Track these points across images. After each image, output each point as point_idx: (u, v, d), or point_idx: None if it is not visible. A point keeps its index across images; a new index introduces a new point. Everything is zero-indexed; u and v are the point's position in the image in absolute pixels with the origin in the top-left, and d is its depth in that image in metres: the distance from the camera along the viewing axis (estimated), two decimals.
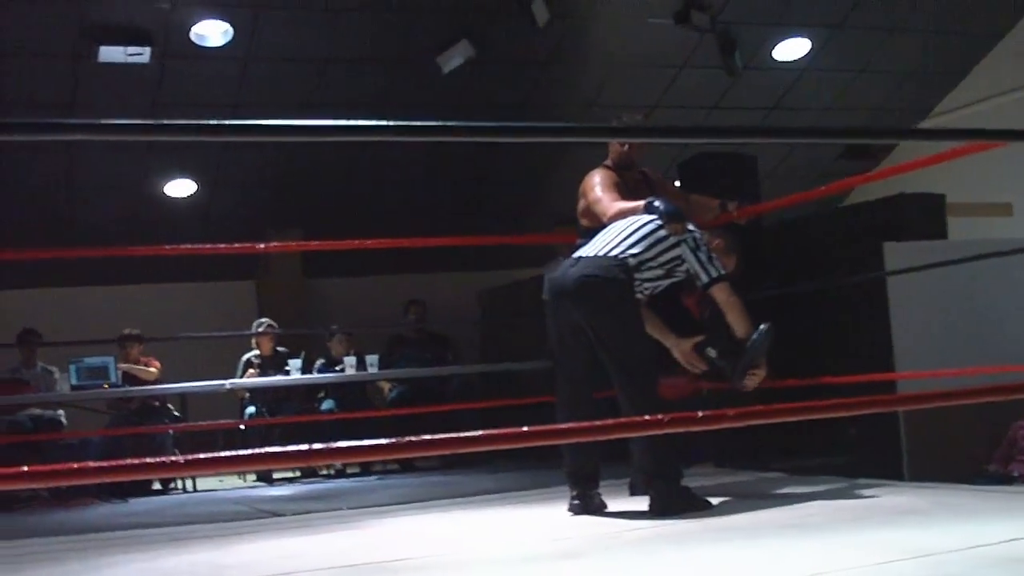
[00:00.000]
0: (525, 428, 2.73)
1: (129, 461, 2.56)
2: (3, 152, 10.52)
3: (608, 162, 6.34)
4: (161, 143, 10.80)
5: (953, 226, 8.57)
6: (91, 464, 2.48)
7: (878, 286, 7.56)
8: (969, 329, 7.51)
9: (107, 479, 3.05)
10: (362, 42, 10.36)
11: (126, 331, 9.92)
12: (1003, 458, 7.13)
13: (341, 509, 6.96)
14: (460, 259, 12.70)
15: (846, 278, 7.90)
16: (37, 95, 9.86)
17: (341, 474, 9.94)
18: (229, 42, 10.01)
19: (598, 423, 3.05)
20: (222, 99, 10.43)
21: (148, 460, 2.51)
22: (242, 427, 10.20)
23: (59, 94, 9.90)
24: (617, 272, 5.48)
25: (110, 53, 9.60)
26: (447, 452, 2.79)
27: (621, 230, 5.66)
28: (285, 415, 9.96)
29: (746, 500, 5.71)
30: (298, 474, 10.02)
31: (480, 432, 2.72)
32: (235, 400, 10.48)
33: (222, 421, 10.23)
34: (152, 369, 9.98)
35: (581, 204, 6.27)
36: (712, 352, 5.80)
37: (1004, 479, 6.85)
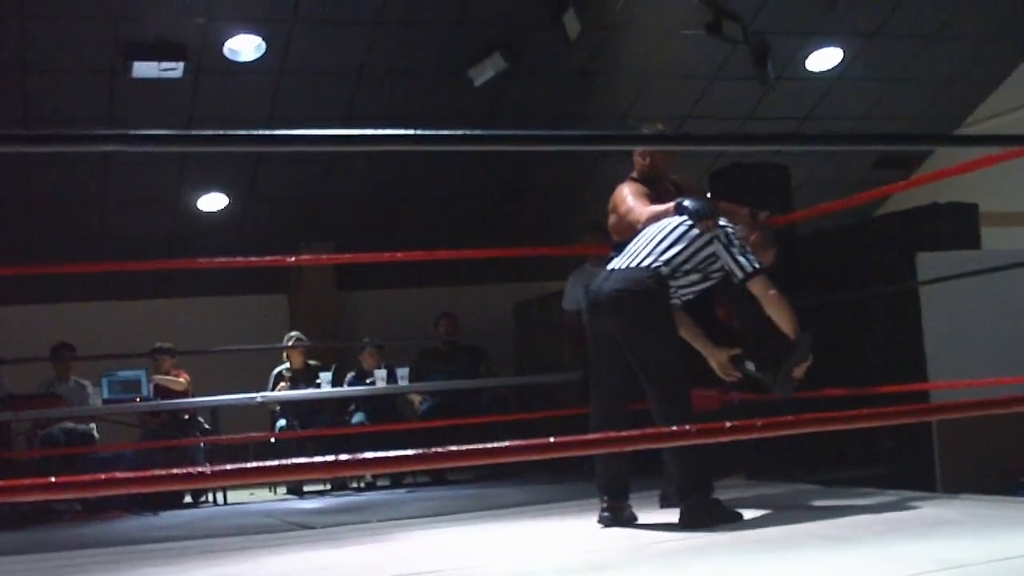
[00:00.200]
0: (552, 439, 2.72)
1: (158, 472, 2.56)
2: (38, 167, 10.61)
3: (635, 174, 6.32)
4: (194, 158, 10.89)
5: (987, 236, 8.51)
6: (118, 475, 2.49)
7: (911, 296, 7.51)
8: (1003, 339, 7.44)
9: (137, 490, 3.05)
10: (395, 55, 10.37)
11: (158, 344, 9.95)
12: None
13: (371, 522, 6.96)
14: (494, 271, 12.70)
15: (879, 288, 7.85)
16: (72, 111, 9.92)
17: (371, 487, 9.93)
18: (262, 56, 10.04)
19: (625, 434, 3.03)
20: (255, 113, 10.46)
21: (176, 471, 2.51)
22: (273, 440, 10.21)
23: (94, 110, 9.95)
24: (650, 283, 5.46)
25: (144, 69, 9.65)
26: (474, 463, 2.78)
27: (652, 236, 5.64)
28: (316, 428, 9.96)
29: (778, 512, 5.67)
30: (329, 487, 10.02)
31: (507, 443, 2.71)
32: (266, 413, 10.50)
33: (253, 434, 10.24)
34: (181, 380, 10.01)
35: (612, 219, 6.25)
36: (750, 365, 5.76)
37: None
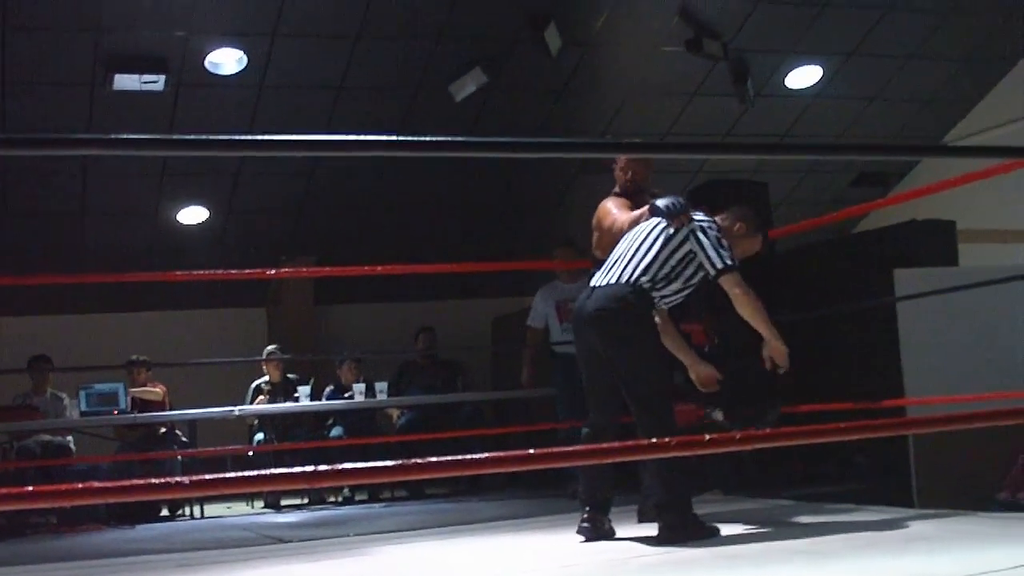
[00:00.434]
0: (532, 451, 2.72)
1: (136, 481, 2.55)
2: (16, 178, 10.57)
3: (616, 189, 6.34)
4: (174, 170, 10.87)
5: (965, 253, 8.55)
6: (96, 484, 2.48)
7: (888, 313, 7.55)
8: (980, 356, 7.48)
9: (114, 499, 3.04)
10: (376, 70, 10.37)
11: (133, 356, 9.92)
12: (1013, 486, 7.09)
13: (349, 536, 6.95)
14: (472, 286, 12.71)
15: (857, 304, 7.88)
16: (52, 123, 9.88)
17: (349, 501, 9.91)
18: (243, 70, 10.03)
19: (604, 446, 3.04)
20: (236, 126, 10.44)
21: (155, 480, 2.50)
22: (251, 453, 10.19)
23: (74, 122, 9.92)
24: (631, 299, 5.45)
25: (125, 81, 9.62)
26: (453, 474, 2.78)
27: (629, 247, 5.62)
28: (294, 442, 9.94)
29: (755, 528, 5.69)
30: (306, 501, 10.00)
31: (486, 455, 2.71)
32: (244, 427, 10.47)
33: (231, 447, 10.22)
34: (157, 390, 9.98)
35: (596, 236, 6.26)
36: (718, 415, 5.77)
37: (1014, 507, 6.81)
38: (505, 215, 12.54)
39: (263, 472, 2.73)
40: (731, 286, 5.43)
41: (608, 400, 5.63)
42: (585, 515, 5.65)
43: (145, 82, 9.67)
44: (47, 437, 9.54)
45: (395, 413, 10.66)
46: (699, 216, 5.56)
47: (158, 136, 2.39)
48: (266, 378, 10.41)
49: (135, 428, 9.79)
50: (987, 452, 7.00)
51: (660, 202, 5.61)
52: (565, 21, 10.12)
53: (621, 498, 5.97)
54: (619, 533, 5.64)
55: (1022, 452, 7.10)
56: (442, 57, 10.34)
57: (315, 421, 10.39)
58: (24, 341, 10.61)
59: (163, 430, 9.97)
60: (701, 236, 5.46)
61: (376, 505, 9.53)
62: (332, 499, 10.02)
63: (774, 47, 11.10)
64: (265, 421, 10.23)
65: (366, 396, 9.99)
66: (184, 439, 9.87)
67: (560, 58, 10.34)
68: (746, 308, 5.44)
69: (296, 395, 10.00)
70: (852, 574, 4.24)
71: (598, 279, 5.65)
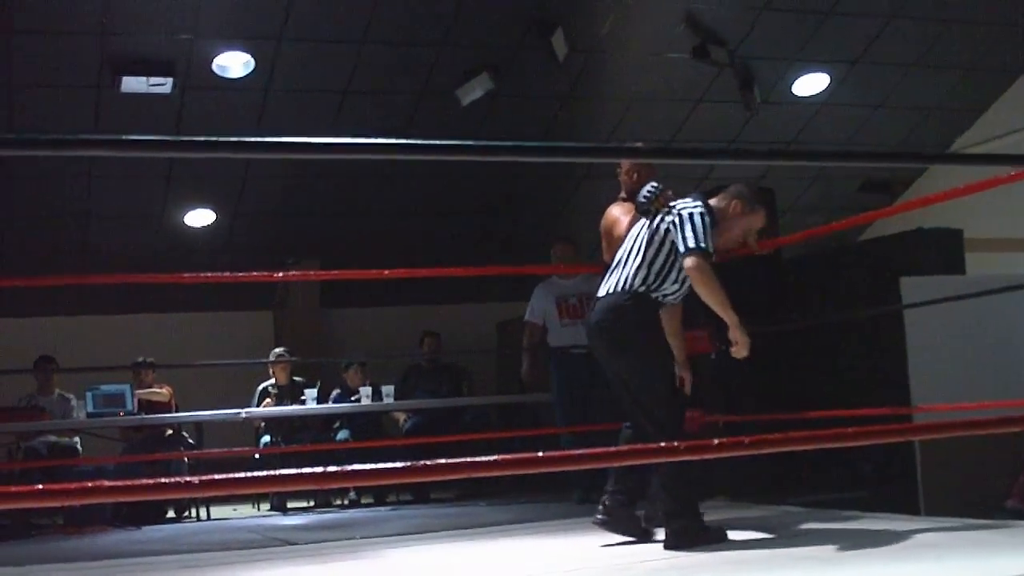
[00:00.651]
0: (540, 453, 2.73)
1: (144, 481, 2.56)
2: (23, 180, 10.59)
3: (622, 194, 6.35)
4: (181, 173, 10.89)
5: (972, 261, 8.55)
6: (105, 483, 2.49)
7: (895, 321, 7.54)
8: (986, 365, 7.47)
9: (122, 497, 3.05)
10: (382, 74, 10.39)
11: (140, 358, 9.93)
12: (1021, 493, 7.09)
13: (354, 538, 6.96)
14: (478, 290, 12.71)
15: (863, 312, 7.88)
16: (60, 126, 9.90)
17: (355, 504, 9.91)
18: (250, 73, 10.06)
19: (613, 449, 3.04)
20: (243, 130, 10.46)
21: (163, 480, 2.50)
22: (257, 456, 10.20)
23: (82, 125, 9.94)
24: (628, 307, 5.42)
25: (132, 83, 9.65)
26: (460, 477, 2.78)
27: (624, 251, 5.60)
28: (300, 445, 9.95)
29: (761, 534, 5.69)
30: (312, 504, 10.00)
31: (495, 457, 2.71)
32: (251, 429, 10.48)
33: (238, 449, 10.23)
34: (163, 391, 9.99)
35: (604, 244, 6.28)
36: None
37: (1022, 515, 6.80)
38: (510, 220, 12.55)
39: (272, 472, 2.74)
40: (691, 266, 5.26)
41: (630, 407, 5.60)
42: (606, 503, 5.59)
43: (153, 85, 9.70)
44: (53, 438, 9.56)
45: (401, 417, 10.67)
46: (687, 202, 5.49)
47: (165, 137, 2.39)
48: (273, 381, 10.41)
49: (141, 429, 9.80)
50: (995, 460, 7.00)
51: (640, 197, 5.60)
52: (571, 27, 10.13)
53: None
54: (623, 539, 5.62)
55: None
56: (448, 62, 10.35)
57: (321, 424, 10.39)
58: (31, 342, 10.62)
59: (169, 432, 9.98)
60: (678, 220, 5.38)
61: (382, 509, 9.55)
62: (338, 502, 10.03)
63: (780, 54, 11.11)
64: (272, 424, 10.24)
65: (372, 400, 10.00)
66: (191, 441, 9.88)
67: (566, 64, 10.35)
68: (702, 288, 5.29)
69: (303, 398, 10.00)
70: None
71: (601, 289, 5.64)
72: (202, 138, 2.58)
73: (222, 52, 9.86)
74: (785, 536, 5.59)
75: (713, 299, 5.31)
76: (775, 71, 11.29)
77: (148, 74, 9.63)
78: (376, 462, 2.77)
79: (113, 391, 9.66)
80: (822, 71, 11.53)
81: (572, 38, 10.17)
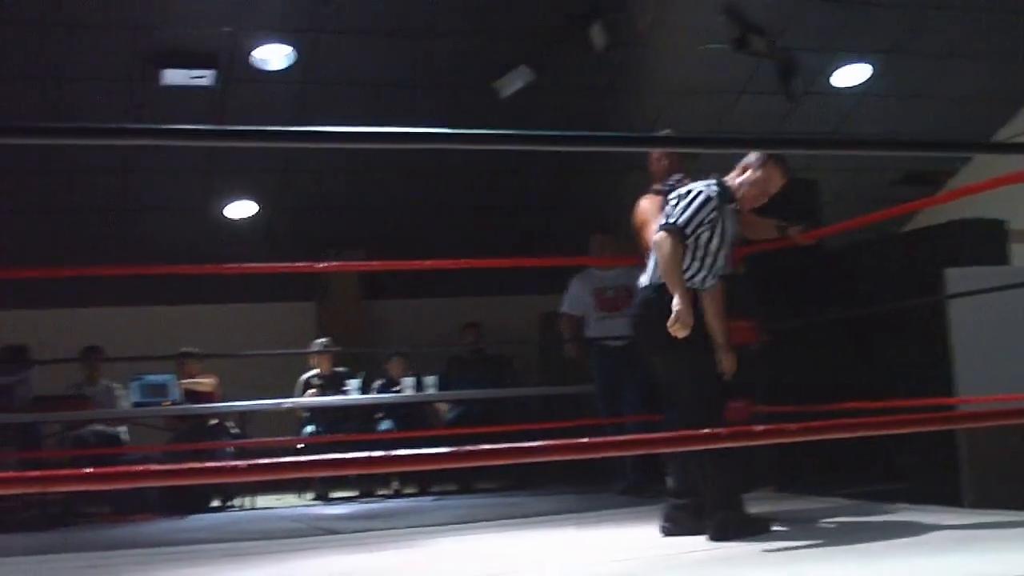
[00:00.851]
0: (585, 440, 2.75)
1: (190, 465, 2.59)
2: (65, 174, 10.68)
3: (655, 186, 6.36)
4: (222, 165, 10.96)
5: (1017, 253, 8.49)
6: (153, 467, 2.52)
7: (939, 313, 7.50)
8: None
9: (169, 482, 3.08)
10: (422, 66, 10.42)
11: (185, 348, 10.00)
12: None
13: (398, 528, 6.98)
14: (520, 282, 12.70)
15: (907, 303, 7.84)
16: (102, 118, 9.98)
17: (398, 494, 9.96)
18: (291, 65, 10.10)
19: (656, 436, 3.05)
20: (283, 121, 10.52)
21: (210, 464, 2.54)
22: (300, 446, 10.25)
23: (123, 117, 10.01)
24: (654, 300, 5.41)
25: (173, 76, 9.71)
26: (506, 462, 2.81)
27: (650, 242, 5.63)
28: (344, 435, 9.99)
29: (807, 526, 5.68)
30: (355, 494, 10.04)
31: (541, 443, 2.73)
32: (294, 419, 10.53)
33: (281, 439, 10.28)
34: (208, 381, 10.06)
35: (638, 238, 6.30)
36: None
37: None
38: (553, 212, 12.54)
39: (318, 457, 2.77)
40: (655, 240, 5.36)
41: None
42: (672, 510, 5.58)
43: (194, 77, 9.76)
44: (100, 427, 9.64)
45: (444, 408, 10.70)
46: (695, 184, 5.51)
47: (210, 127, 2.42)
48: (316, 371, 10.46)
49: (186, 419, 9.88)
50: None
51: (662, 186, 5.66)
52: (611, 19, 10.11)
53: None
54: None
55: None
56: (488, 54, 10.36)
57: (365, 414, 10.43)
58: (77, 332, 10.70)
59: (214, 421, 10.05)
60: (675, 201, 5.44)
61: (425, 499, 9.57)
62: (381, 492, 10.06)
63: (821, 45, 11.06)
64: (315, 414, 10.29)
65: (416, 390, 10.04)
66: (234, 431, 9.95)
67: (605, 56, 10.33)
68: (660, 262, 5.35)
69: (346, 388, 10.05)
70: (903, 573, 4.23)
71: (639, 281, 5.66)
72: (254, 127, 2.60)
73: (263, 44, 9.90)
74: (830, 528, 5.58)
75: (665, 274, 5.32)
76: (816, 62, 11.24)
77: (189, 67, 9.68)
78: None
79: (158, 381, 9.75)
80: (863, 62, 11.47)
81: (612, 30, 10.14)
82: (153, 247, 11.54)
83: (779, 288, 8.07)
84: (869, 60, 11.45)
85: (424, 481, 10.12)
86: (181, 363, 10.06)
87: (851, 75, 11.58)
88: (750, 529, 5.32)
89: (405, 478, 10.05)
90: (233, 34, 9.67)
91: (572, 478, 9.28)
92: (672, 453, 5.48)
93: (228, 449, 9.69)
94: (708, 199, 5.38)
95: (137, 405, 9.70)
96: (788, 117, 11.73)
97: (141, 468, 2.56)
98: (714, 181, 5.48)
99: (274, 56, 10.03)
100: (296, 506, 9.42)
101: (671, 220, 5.35)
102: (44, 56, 9.49)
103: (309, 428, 10.23)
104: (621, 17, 10.24)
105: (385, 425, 10.19)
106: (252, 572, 5.36)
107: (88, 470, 2.51)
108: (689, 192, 5.42)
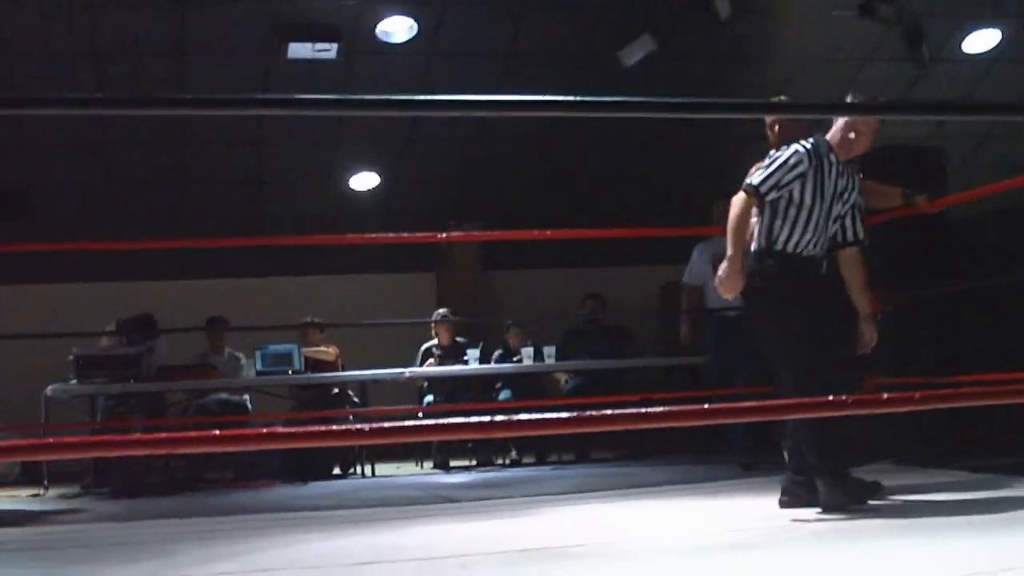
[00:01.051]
0: (706, 405, 2.74)
1: (313, 428, 2.63)
2: (197, 148, 10.89)
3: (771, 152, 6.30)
4: (347, 138, 11.07)
5: None
6: (279, 429, 2.56)
7: None
8: None
9: (295, 444, 3.14)
10: (545, 37, 10.40)
11: (308, 318, 10.13)
12: None
13: (516, 497, 7.03)
14: (641, 252, 12.63)
15: None
16: (229, 92, 10.12)
17: (516, 464, 9.99)
18: (414, 37, 10.15)
19: (774, 403, 3.03)
20: (407, 94, 10.55)
21: (334, 427, 2.58)
22: (420, 415, 10.33)
23: (250, 91, 10.15)
24: (754, 270, 5.37)
25: (298, 49, 9.81)
26: (619, 428, 2.80)
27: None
28: (462, 404, 10.05)
29: (926, 498, 5.61)
30: (474, 463, 10.11)
31: (655, 409, 2.72)
32: (413, 390, 10.62)
33: (402, 407, 10.38)
34: (330, 351, 10.18)
35: None
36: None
37: None
38: (674, 181, 12.45)
39: (439, 421, 2.79)
40: (735, 201, 5.44)
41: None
42: (790, 483, 5.50)
43: (318, 50, 9.85)
44: (224, 396, 9.81)
45: (563, 378, 10.71)
46: (795, 144, 5.47)
47: (334, 96, 2.44)
48: (435, 341, 10.53)
49: (308, 388, 10.02)
50: None
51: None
52: None
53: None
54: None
55: None
56: (610, 23, 10.31)
57: (484, 384, 10.48)
58: (203, 303, 10.89)
59: (335, 390, 10.17)
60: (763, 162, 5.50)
61: (543, 468, 9.61)
62: (500, 462, 10.12)
63: (950, 10, 10.81)
64: (435, 383, 10.36)
65: (534, 360, 10.06)
66: (356, 400, 10.06)
67: (730, 24, 10.22)
68: (729, 217, 5.42)
69: (465, 358, 10.11)
70: (1012, 547, 4.16)
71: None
72: (378, 96, 2.62)
73: (386, 17, 9.97)
74: (950, 502, 5.50)
75: (729, 230, 5.40)
76: (944, 28, 10.99)
77: (314, 40, 9.77)
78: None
79: (281, 350, 9.88)
80: (993, 27, 11.19)
81: None
82: (279, 219, 11.69)
83: (903, 259, 7.94)
84: (999, 26, 11.17)
85: (542, 451, 10.15)
86: (304, 333, 10.19)
87: (980, 41, 11.31)
88: (861, 494, 5.23)
89: (523, 448, 10.09)
90: (357, 7, 9.74)
91: (691, 448, 9.26)
92: (787, 430, 5.42)
93: (349, 418, 9.79)
94: (791, 155, 5.37)
95: (260, 374, 9.85)
96: (916, 85, 11.50)
97: (267, 430, 2.60)
98: (811, 139, 5.43)
99: (397, 29, 10.09)
100: (416, 474, 9.50)
101: (748, 180, 5.39)
102: (174, 32, 9.65)
103: (429, 397, 10.31)
104: None
105: (504, 395, 10.23)
106: (372, 538, 5.43)
107: (215, 432, 2.56)
108: (774, 155, 5.42)
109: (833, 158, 5.43)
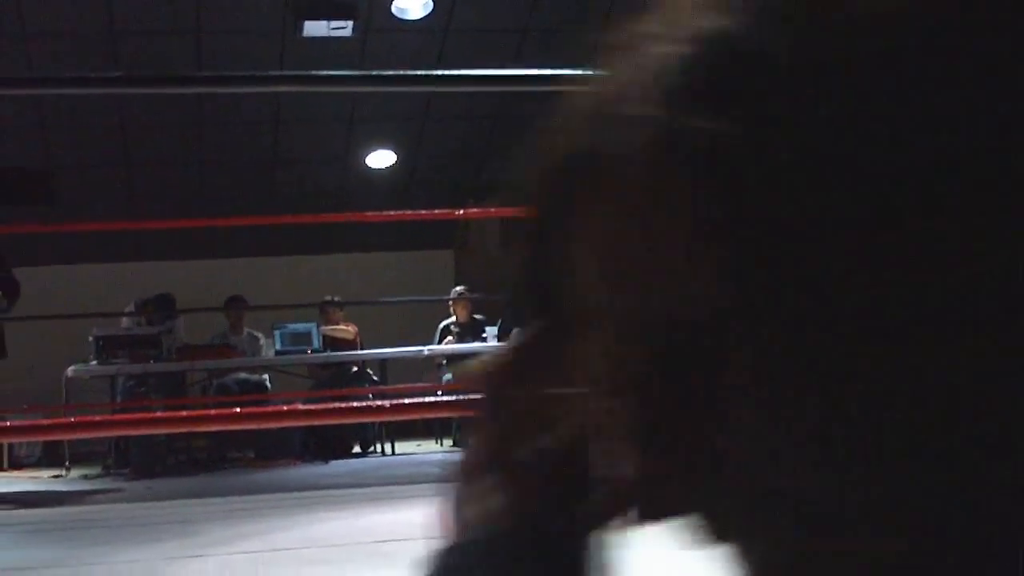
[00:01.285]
0: None
1: (334, 405, 2.61)
2: (212, 126, 10.86)
3: None
4: (362, 115, 11.03)
5: None
6: (300, 406, 2.55)
7: None
8: None
9: (316, 422, 3.12)
10: (561, 13, 10.35)
11: (327, 297, 10.12)
12: None
13: None
14: None
15: None
16: (246, 70, 10.08)
17: None
18: (429, 14, 10.11)
19: None
20: (423, 70, 10.53)
21: (355, 404, 2.56)
22: (439, 392, 10.30)
23: (267, 68, 10.11)
24: None
25: (314, 27, 9.78)
26: None
27: None
28: None
29: None
30: None
31: None
32: (432, 367, 10.60)
33: (420, 384, 10.37)
34: (349, 329, 10.16)
35: None
36: None
37: None
38: None
39: (458, 397, 2.77)
40: None
41: None
42: None
43: (334, 28, 9.81)
44: (244, 375, 9.81)
45: None
46: None
47: (350, 72, 2.41)
48: (454, 319, 10.50)
49: (327, 367, 10.01)
50: None
51: None
52: None
53: None
54: None
55: None
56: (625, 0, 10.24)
57: None
58: (222, 282, 10.89)
59: (354, 368, 10.16)
60: None
61: None
62: None
63: None
64: (453, 360, 10.34)
65: None
66: (375, 377, 10.05)
67: None
68: None
69: (483, 335, 10.09)
70: None
71: None
72: (395, 72, 2.60)
73: None
74: None
75: None
76: None
77: (329, 17, 9.74)
78: None
79: (300, 329, 9.88)
80: None
81: None
82: (297, 197, 11.68)
83: None
84: None
85: None
86: (324, 311, 10.17)
87: None
88: None
89: None
90: None
91: None
92: None
93: (369, 395, 9.79)
94: None
95: (280, 353, 9.84)
96: None
97: (287, 408, 2.59)
98: None
99: (412, 5, 10.04)
100: (436, 452, 9.49)
101: None
102: (190, 10, 9.62)
103: (448, 375, 10.29)
104: None
105: None
106: (393, 516, 5.40)
107: (236, 410, 2.55)
108: None
109: None
